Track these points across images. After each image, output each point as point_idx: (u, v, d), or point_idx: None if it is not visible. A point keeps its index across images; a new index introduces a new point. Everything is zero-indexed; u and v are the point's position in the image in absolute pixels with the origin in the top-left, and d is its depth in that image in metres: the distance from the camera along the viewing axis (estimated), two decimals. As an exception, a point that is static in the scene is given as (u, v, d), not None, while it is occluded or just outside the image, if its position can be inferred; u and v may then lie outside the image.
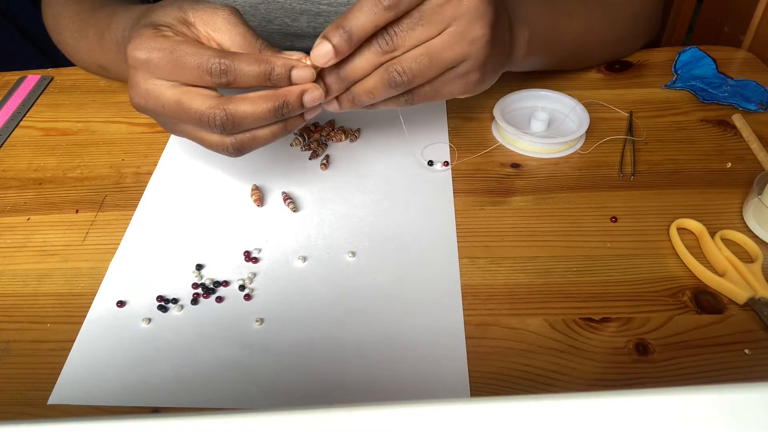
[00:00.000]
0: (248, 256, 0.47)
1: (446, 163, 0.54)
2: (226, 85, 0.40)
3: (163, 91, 0.41)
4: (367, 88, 0.42)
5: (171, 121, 0.43)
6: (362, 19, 0.39)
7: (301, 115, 0.43)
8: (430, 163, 0.53)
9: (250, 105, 0.40)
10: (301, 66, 0.41)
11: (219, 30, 0.43)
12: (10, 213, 0.52)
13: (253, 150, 0.44)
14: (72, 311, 0.44)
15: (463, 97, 0.46)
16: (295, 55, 0.41)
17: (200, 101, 0.40)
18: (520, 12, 0.50)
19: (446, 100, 0.61)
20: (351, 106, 0.44)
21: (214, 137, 0.43)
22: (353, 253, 0.47)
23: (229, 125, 0.41)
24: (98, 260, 0.47)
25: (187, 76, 0.40)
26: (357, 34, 0.39)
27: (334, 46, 0.39)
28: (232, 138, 0.42)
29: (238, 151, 0.43)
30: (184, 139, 0.58)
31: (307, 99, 0.41)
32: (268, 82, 0.40)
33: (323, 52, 0.39)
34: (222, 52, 0.40)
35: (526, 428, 0.24)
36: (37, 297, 0.45)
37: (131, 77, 0.42)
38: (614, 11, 0.60)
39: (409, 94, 0.44)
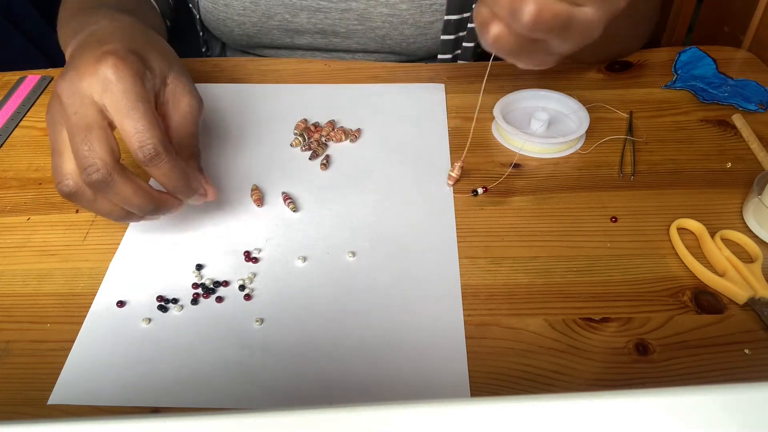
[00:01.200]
0: (248, 256, 0.47)
1: (483, 189, 0.52)
2: (143, 165, 0.40)
3: (92, 110, 0.40)
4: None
5: (59, 128, 0.41)
6: None
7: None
8: (475, 193, 0.51)
9: (132, 190, 0.41)
10: (201, 195, 0.45)
11: (177, 112, 0.45)
12: (10, 213, 0.52)
13: (86, 208, 0.43)
14: (72, 311, 0.44)
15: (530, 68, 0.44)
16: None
17: (107, 145, 0.40)
18: None
19: (446, 102, 0.61)
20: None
21: (67, 167, 0.41)
22: (353, 253, 0.47)
23: (100, 185, 0.40)
24: (98, 260, 0.47)
25: (123, 126, 0.40)
26: None
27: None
28: (82, 185, 0.41)
29: (69, 197, 0.42)
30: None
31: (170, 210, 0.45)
32: (173, 188, 0.43)
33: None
34: (164, 144, 0.40)
35: (526, 428, 0.24)
36: (37, 297, 0.45)
37: (84, 66, 0.40)
38: (637, 10, 0.60)
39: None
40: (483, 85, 0.49)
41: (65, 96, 0.40)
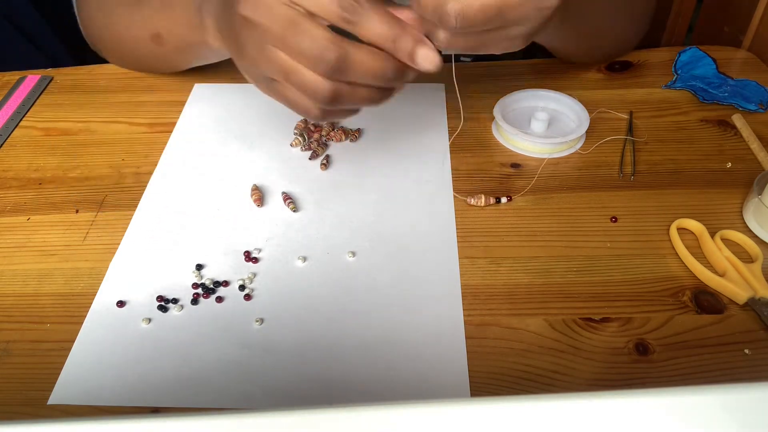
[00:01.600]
0: (248, 256, 0.47)
1: (507, 198, 0.51)
2: (345, 26, 0.36)
3: (279, 6, 0.36)
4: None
5: (269, 44, 0.38)
6: None
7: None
8: (498, 200, 0.50)
9: (371, 57, 0.37)
10: (429, 47, 0.38)
11: None
12: (10, 213, 0.52)
13: (336, 114, 0.41)
14: (72, 311, 0.44)
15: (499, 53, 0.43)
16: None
17: (320, 31, 0.36)
18: None
19: (446, 102, 0.61)
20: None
21: (311, 77, 0.37)
22: (353, 253, 0.47)
23: (339, 67, 0.36)
24: (98, 260, 0.47)
25: (309, 2, 0.36)
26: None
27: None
28: (330, 84, 0.38)
29: (329, 101, 0.38)
30: (185, 140, 0.58)
31: (423, 65, 0.38)
32: (388, 43, 0.37)
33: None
34: None
35: (526, 428, 0.24)
36: (37, 297, 0.45)
37: None
38: (633, 8, 0.60)
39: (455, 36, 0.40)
40: (456, 85, 0.49)
41: (257, 15, 0.37)
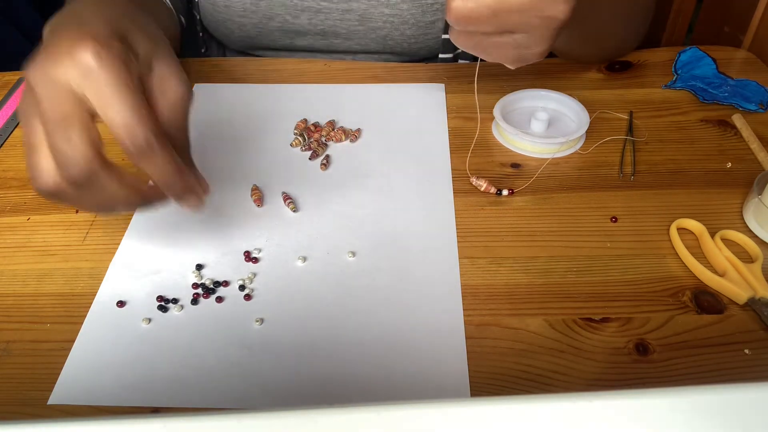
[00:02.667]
0: (248, 256, 0.47)
1: (509, 191, 0.51)
2: (134, 155, 0.37)
3: (70, 100, 0.36)
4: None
5: (33, 121, 0.37)
6: None
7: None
8: (499, 192, 0.51)
9: (118, 188, 0.38)
10: (199, 193, 0.41)
11: (163, 98, 0.39)
12: (10, 213, 0.52)
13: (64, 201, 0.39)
14: (72, 311, 0.44)
15: (513, 67, 0.44)
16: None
17: (88, 138, 0.36)
18: None
19: (446, 102, 0.61)
20: None
21: (47, 165, 0.37)
22: (353, 253, 0.47)
23: (79, 181, 0.36)
24: (98, 260, 0.47)
25: (105, 113, 0.36)
26: None
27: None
28: (57, 185, 0.37)
29: (51, 194, 0.38)
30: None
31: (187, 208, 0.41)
32: (164, 185, 0.39)
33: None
34: (155, 131, 0.37)
35: (526, 428, 0.24)
36: (37, 297, 0.45)
37: (60, 51, 0.36)
38: (633, 8, 0.60)
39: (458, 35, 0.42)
40: (475, 86, 0.50)
41: (39, 85, 0.36)
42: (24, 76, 0.37)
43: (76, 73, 0.35)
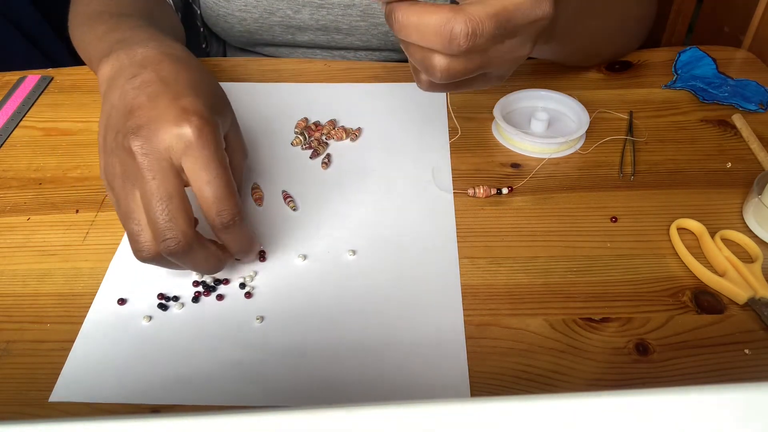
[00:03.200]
0: (264, 255, 0.47)
1: (509, 189, 0.51)
2: (216, 230, 0.40)
3: (172, 175, 0.38)
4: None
5: (131, 188, 0.38)
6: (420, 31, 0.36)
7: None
8: (499, 191, 0.51)
9: (208, 260, 0.41)
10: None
11: (232, 165, 0.41)
12: (10, 213, 0.52)
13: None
14: (72, 311, 0.44)
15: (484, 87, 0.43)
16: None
17: (187, 216, 0.38)
18: None
19: (446, 102, 0.61)
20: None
21: (146, 236, 0.38)
22: (353, 252, 0.47)
23: (175, 252, 0.38)
24: (98, 260, 0.47)
25: (200, 189, 0.38)
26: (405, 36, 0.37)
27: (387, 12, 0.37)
28: (156, 251, 0.39)
29: (151, 257, 0.40)
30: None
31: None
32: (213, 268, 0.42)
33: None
34: (243, 211, 0.40)
35: (526, 428, 0.24)
36: (37, 297, 0.45)
37: (163, 123, 0.38)
38: (629, 11, 0.60)
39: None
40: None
41: (140, 154, 0.37)
42: (122, 141, 0.38)
43: (178, 146, 0.37)
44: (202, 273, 0.44)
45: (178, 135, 0.37)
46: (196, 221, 0.40)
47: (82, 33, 0.56)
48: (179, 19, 0.67)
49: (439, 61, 0.37)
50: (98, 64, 0.45)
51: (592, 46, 0.61)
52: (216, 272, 0.43)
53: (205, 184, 0.38)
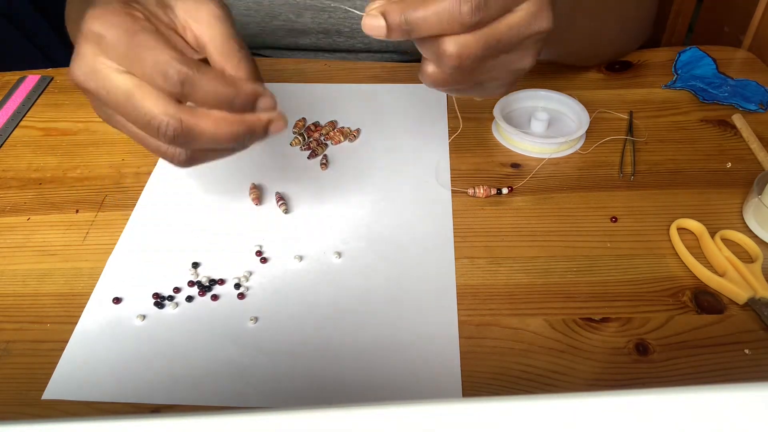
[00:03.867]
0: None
1: (509, 188, 0.51)
2: (180, 97, 0.35)
3: (113, 75, 0.35)
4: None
5: (110, 111, 0.37)
6: (431, 22, 0.35)
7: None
8: (499, 191, 0.51)
9: (213, 125, 0.36)
10: (267, 95, 0.38)
11: (200, 22, 0.37)
12: (10, 213, 0.52)
13: (203, 163, 0.40)
14: (72, 311, 0.44)
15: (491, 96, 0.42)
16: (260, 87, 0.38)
17: (154, 102, 0.35)
18: None
19: (446, 102, 0.61)
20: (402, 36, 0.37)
21: (160, 145, 0.37)
22: (350, 253, 0.47)
23: (182, 139, 0.36)
24: (98, 260, 0.47)
25: (139, 70, 0.35)
26: (418, 33, 0.35)
27: (388, 26, 0.35)
28: (182, 152, 0.37)
29: (187, 163, 0.38)
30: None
31: (273, 129, 0.38)
32: (228, 107, 0.36)
33: (375, 25, 0.35)
34: (187, 59, 0.35)
35: (526, 428, 0.24)
36: (37, 297, 0.45)
37: (80, 46, 0.36)
38: (627, 12, 0.60)
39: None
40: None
41: (83, 81, 0.36)
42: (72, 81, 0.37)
43: (95, 49, 0.35)
44: (243, 105, 0.37)
45: (88, 40, 0.35)
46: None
47: (71, 21, 0.55)
48: None
49: (449, 44, 0.35)
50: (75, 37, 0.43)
51: (590, 47, 0.61)
52: (252, 107, 0.38)
53: (132, 60, 0.35)
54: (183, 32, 0.38)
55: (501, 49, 0.36)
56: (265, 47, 0.73)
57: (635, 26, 0.64)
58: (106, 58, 0.35)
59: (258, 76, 0.39)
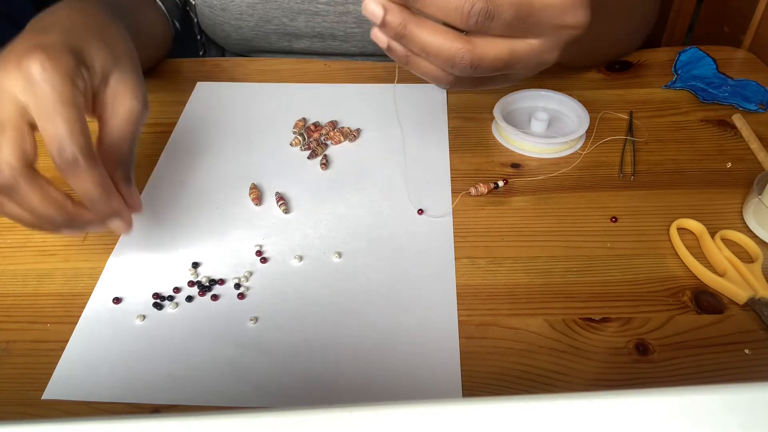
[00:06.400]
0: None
1: (504, 181, 0.51)
2: (60, 171, 0.38)
3: (10, 108, 0.37)
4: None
5: None
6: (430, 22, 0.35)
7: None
8: (496, 185, 0.51)
9: (41, 199, 0.38)
10: (124, 219, 0.42)
11: (116, 115, 0.41)
12: (10, 213, 0.52)
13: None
14: (72, 311, 0.44)
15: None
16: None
17: (18, 148, 0.37)
18: None
19: (446, 102, 0.61)
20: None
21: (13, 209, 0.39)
22: (350, 253, 0.47)
23: (3, 189, 0.37)
24: (98, 260, 0.47)
25: (41, 125, 0.37)
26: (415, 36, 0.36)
27: (385, 23, 0.35)
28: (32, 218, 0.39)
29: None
30: (185, 138, 0.58)
31: (113, 227, 0.42)
32: (89, 203, 0.39)
33: (372, 10, 0.35)
34: (91, 153, 0.38)
35: (526, 428, 0.24)
36: (37, 297, 0.45)
37: (10, 60, 0.37)
38: (634, 15, 0.60)
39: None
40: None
41: None
42: None
43: (20, 83, 0.36)
44: (50, 224, 0.40)
45: (21, 71, 0.36)
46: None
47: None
48: (168, 25, 0.67)
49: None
50: None
51: (595, 50, 0.61)
52: (67, 226, 0.40)
53: (45, 121, 0.36)
54: (98, 107, 0.41)
55: (528, 33, 0.35)
56: (260, 51, 0.73)
57: (640, 28, 0.64)
58: (21, 96, 0.36)
59: (128, 180, 0.42)
